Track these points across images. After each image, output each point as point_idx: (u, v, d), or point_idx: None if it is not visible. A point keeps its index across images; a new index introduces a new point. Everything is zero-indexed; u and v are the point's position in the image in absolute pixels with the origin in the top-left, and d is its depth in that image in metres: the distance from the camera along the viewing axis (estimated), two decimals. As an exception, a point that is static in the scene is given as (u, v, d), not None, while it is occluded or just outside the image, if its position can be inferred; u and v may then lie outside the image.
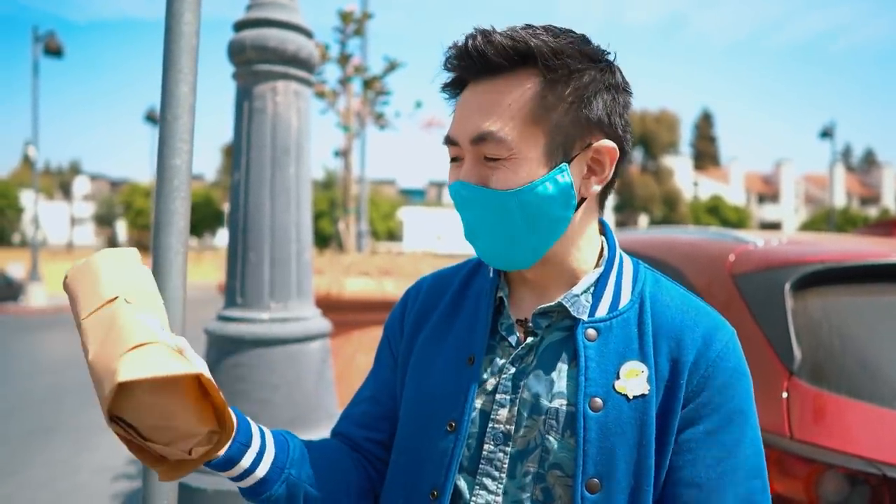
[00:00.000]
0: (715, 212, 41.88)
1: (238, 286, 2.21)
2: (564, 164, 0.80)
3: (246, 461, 0.82)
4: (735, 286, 1.87)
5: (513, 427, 0.82)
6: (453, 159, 0.85)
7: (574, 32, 0.82)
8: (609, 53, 0.83)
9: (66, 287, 0.78)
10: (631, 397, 0.78)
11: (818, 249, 1.87)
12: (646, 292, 0.86)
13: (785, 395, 1.56)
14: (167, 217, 1.24)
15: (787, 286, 1.71)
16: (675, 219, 41.58)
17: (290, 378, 2.15)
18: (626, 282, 0.88)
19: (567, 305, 0.84)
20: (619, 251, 0.91)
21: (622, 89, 0.83)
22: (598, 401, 0.78)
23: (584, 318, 0.83)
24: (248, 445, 0.82)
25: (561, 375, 0.82)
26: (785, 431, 1.51)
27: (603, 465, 0.77)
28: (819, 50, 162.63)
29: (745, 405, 0.81)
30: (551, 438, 0.80)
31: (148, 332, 0.68)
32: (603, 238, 0.92)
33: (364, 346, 4.02)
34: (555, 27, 0.82)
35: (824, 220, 36.81)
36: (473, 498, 0.82)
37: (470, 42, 0.79)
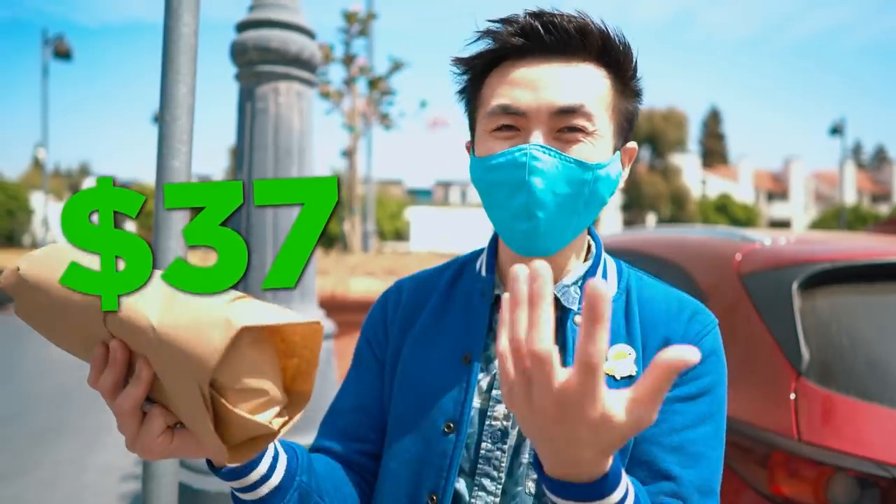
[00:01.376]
0: (723, 210, 41.64)
1: (241, 287, 2.21)
2: (617, 152, 0.85)
3: (263, 466, 0.74)
4: (742, 286, 1.85)
5: (509, 423, 0.82)
6: (503, 128, 0.81)
7: None
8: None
9: (28, 278, 0.65)
10: (618, 378, 0.81)
11: (827, 248, 1.85)
12: (631, 286, 0.90)
13: (793, 396, 1.54)
14: (166, 220, 1.23)
15: (795, 285, 1.69)
16: (684, 217, 41.39)
17: (294, 380, 2.14)
18: (612, 277, 0.91)
19: (559, 296, 0.85)
20: (604, 251, 0.94)
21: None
22: None
23: (574, 307, 0.85)
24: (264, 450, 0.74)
25: None
26: (793, 433, 1.49)
27: None
28: (829, 46, 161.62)
29: (719, 387, 0.84)
30: None
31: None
32: (589, 237, 0.95)
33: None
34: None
35: (835, 217, 36.53)
36: (472, 500, 0.81)
37: (556, 19, 0.79)
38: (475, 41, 0.83)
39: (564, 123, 0.79)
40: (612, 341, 0.84)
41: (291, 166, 2.27)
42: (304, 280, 2.32)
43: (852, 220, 36.74)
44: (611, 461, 0.59)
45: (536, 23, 0.79)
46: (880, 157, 67.07)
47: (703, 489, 0.79)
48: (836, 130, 28.58)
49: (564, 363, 0.80)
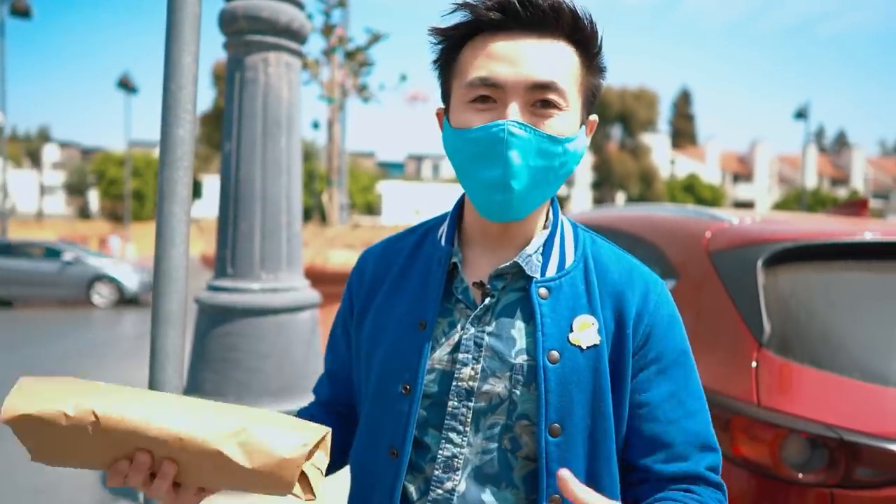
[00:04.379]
0: (691, 190, 42.37)
1: (229, 256, 2.24)
2: (583, 125, 0.90)
3: None
4: (710, 262, 1.95)
5: (476, 384, 0.88)
6: (479, 100, 0.85)
7: None
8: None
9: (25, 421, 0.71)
10: (584, 347, 0.87)
11: (789, 228, 1.96)
12: (588, 253, 0.94)
13: (754, 364, 1.65)
14: (171, 186, 1.27)
15: (760, 263, 1.79)
16: (652, 196, 41.96)
17: (281, 347, 2.20)
18: (569, 243, 0.95)
19: (522, 265, 0.90)
20: (561, 215, 0.98)
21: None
22: (555, 353, 0.86)
23: (537, 276, 0.90)
24: None
25: (521, 333, 0.88)
26: (753, 399, 1.60)
27: (562, 411, 0.85)
28: (805, 33, 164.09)
29: (685, 345, 0.92)
30: (518, 392, 0.87)
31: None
32: (549, 203, 0.98)
33: (347, 318, 4.07)
34: None
35: (796, 200, 37.51)
36: (440, 451, 0.89)
37: None
38: (452, 13, 0.86)
39: (539, 97, 0.83)
40: (576, 312, 0.88)
41: (280, 137, 2.29)
42: (291, 252, 2.35)
43: (812, 202, 37.81)
44: None
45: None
46: (841, 142, 68.73)
47: (699, 445, 0.89)
48: (801, 115, 29.16)
49: (533, 333, 0.87)
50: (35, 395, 0.71)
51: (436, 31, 0.89)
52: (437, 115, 0.96)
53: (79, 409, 0.70)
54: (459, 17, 0.86)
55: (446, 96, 0.92)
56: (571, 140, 0.86)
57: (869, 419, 1.50)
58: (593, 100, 0.91)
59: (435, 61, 0.92)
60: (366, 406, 0.97)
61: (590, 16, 0.85)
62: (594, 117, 0.94)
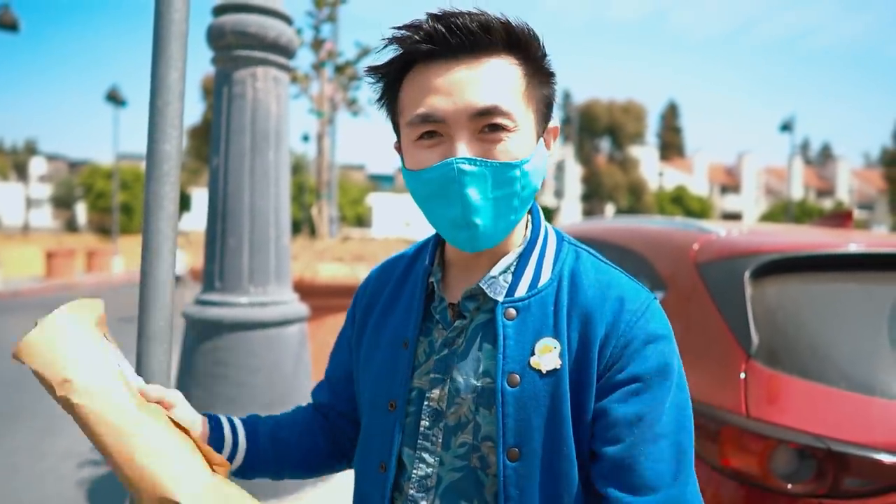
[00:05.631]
0: (679, 202, 42.71)
1: (217, 270, 2.23)
2: (540, 139, 0.88)
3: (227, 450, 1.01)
4: (698, 274, 1.96)
5: (444, 404, 0.88)
6: (426, 136, 0.83)
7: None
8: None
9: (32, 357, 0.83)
10: (544, 372, 0.83)
11: (776, 240, 1.98)
12: (565, 271, 0.89)
13: (743, 375, 1.66)
14: (157, 201, 1.26)
15: (747, 274, 1.81)
16: (641, 208, 42.25)
17: (270, 361, 2.18)
18: (548, 260, 0.91)
19: (484, 287, 0.88)
20: (544, 228, 0.94)
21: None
22: (516, 377, 0.84)
23: (500, 299, 0.87)
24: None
25: (486, 355, 0.87)
26: (742, 410, 1.61)
27: (520, 434, 0.83)
28: (789, 48, 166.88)
29: (666, 365, 0.83)
30: (480, 414, 0.86)
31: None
32: (529, 216, 0.95)
33: (337, 331, 4.05)
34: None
35: (782, 211, 37.90)
36: (415, 470, 0.90)
37: (459, 20, 0.79)
38: (383, 49, 0.84)
39: (485, 123, 0.80)
40: (540, 334, 0.85)
41: (268, 151, 2.29)
42: (279, 265, 2.35)
43: (799, 214, 38.22)
44: None
45: (440, 26, 0.79)
46: (826, 154, 69.66)
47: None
48: (787, 127, 29.54)
49: (495, 356, 0.85)
50: (49, 347, 0.82)
51: (371, 71, 0.87)
52: (396, 149, 0.94)
53: (64, 391, 0.80)
54: (392, 53, 0.84)
55: (397, 133, 0.91)
56: (527, 160, 0.83)
57: (855, 429, 1.51)
58: (547, 109, 0.88)
59: (378, 100, 0.90)
60: (363, 419, 1.00)
61: (524, 24, 0.82)
62: (554, 124, 0.91)
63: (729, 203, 54.22)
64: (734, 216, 50.79)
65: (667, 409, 0.82)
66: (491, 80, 0.81)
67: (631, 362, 0.83)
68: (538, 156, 0.86)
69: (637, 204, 42.50)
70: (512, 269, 0.90)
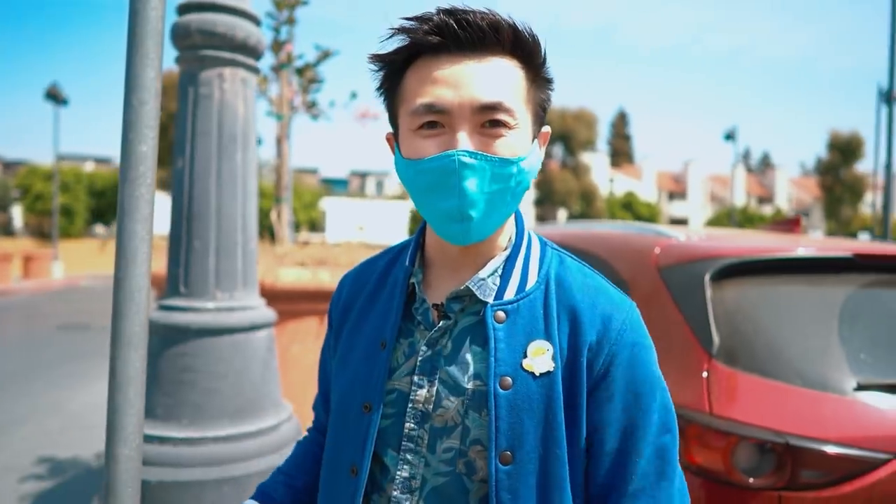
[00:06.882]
0: (629, 207, 43.76)
1: (182, 274, 2.18)
2: (535, 140, 0.90)
3: None
4: (660, 277, 2.03)
5: (431, 406, 0.87)
6: (426, 126, 0.84)
7: None
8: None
9: None
10: (538, 374, 0.84)
11: (734, 244, 2.07)
12: (551, 274, 0.91)
13: (705, 374, 1.73)
14: (133, 203, 1.23)
15: (707, 277, 1.88)
16: (592, 213, 43.11)
17: (237, 367, 2.14)
18: (534, 263, 0.93)
19: (474, 289, 0.88)
20: (527, 233, 0.96)
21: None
22: (508, 379, 0.84)
23: (490, 300, 0.88)
24: None
25: (475, 358, 0.87)
26: (705, 408, 1.67)
27: (513, 438, 0.83)
28: (733, 61, 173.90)
29: (650, 374, 0.88)
30: (470, 417, 0.86)
31: None
32: (513, 220, 0.97)
33: (299, 336, 3.99)
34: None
35: (726, 217, 39.37)
36: (399, 472, 0.88)
37: (470, 16, 0.81)
38: (389, 38, 0.85)
39: (487, 118, 0.82)
40: (532, 337, 0.86)
41: (235, 153, 2.25)
42: (247, 270, 2.31)
43: (742, 219, 39.77)
44: None
45: (451, 20, 0.81)
46: (766, 162, 72.74)
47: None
48: (730, 136, 30.74)
49: (486, 359, 0.85)
50: None
51: (376, 58, 0.88)
52: (388, 140, 0.94)
53: None
54: (398, 42, 0.85)
55: (394, 122, 0.91)
56: (524, 158, 0.86)
57: (811, 424, 1.59)
58: (543, 113, 0.91)
59: (378, 88, 0.91)
60: (331, 424, 0.98)
61: (530, 29, 0.85)
62: (546, 129, 0.94)
63: (676, 209, 55.90)
64: (681, 221, 52.38)
65: (654, 413, 0.86)
66: (496, 77, 0.83)
67: (621, 371, 0.86)
68: (534, 155, 0.89)
69: (588, 209, 43.35)
70: (499, 272, 0.91)
